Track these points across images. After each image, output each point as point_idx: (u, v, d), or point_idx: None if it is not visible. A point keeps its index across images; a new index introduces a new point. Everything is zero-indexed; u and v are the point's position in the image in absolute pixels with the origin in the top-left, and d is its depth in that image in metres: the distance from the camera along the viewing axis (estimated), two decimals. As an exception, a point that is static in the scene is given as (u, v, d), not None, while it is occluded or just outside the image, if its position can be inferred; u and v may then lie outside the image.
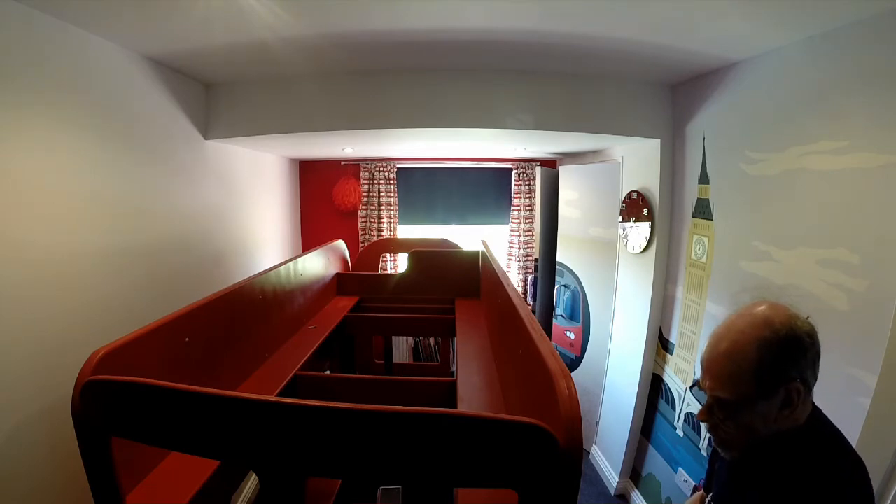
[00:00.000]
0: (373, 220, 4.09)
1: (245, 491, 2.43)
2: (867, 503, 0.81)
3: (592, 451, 3.17)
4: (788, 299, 0.86)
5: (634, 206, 2.62)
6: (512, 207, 4.15)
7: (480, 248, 2.67)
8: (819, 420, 0.86)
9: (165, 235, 2.08)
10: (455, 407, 1.42)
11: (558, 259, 3.59)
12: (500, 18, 1.60)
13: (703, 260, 2.15)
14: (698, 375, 0.91)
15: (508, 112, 2.26)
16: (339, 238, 3.14)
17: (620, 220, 2.77)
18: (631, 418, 2.66)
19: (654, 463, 2.54)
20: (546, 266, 3.96)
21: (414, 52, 1.95)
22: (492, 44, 1.83)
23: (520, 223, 4.14)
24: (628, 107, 2.35)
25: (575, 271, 3.41)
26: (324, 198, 4.10)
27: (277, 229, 3.58)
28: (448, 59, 2.05)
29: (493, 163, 4.17)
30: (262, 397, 0.66)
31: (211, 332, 1.40)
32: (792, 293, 1.58)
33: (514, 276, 4.18)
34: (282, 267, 2.04)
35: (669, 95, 2.38)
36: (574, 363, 3.40)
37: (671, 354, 2.41)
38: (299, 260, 2.27)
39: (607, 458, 2.98)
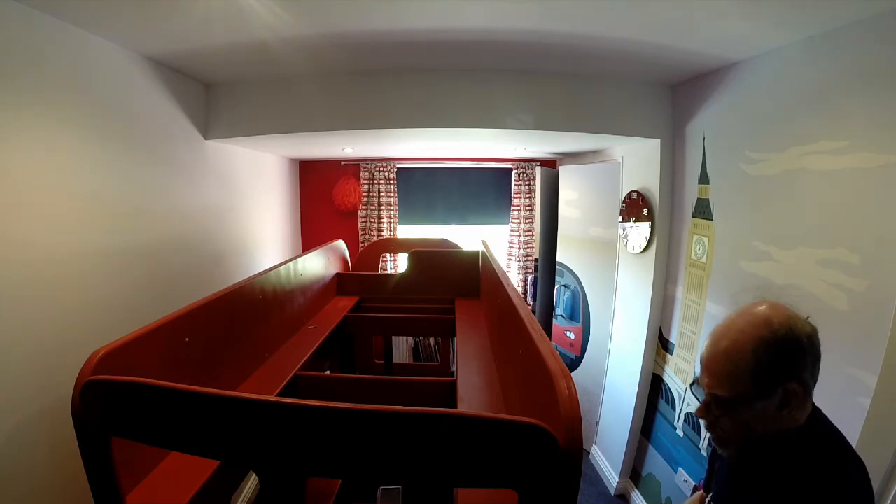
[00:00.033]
0: (373, 220, 4.09)
1: (245, 491, 2.43)
2: (867, 503, 0.81)
3: (592, 451, 3.17)
4: (789, 299, 0.86)
5: (634, 206, 2.62)
6: (512, 207, 4.15)
7: (480, 248, 2.67)
8: (819, 420, 0.86)
9: (165, 235, 2.08)
10: (455, 407, 1.42)
11: (558, 259, 3.59)
12: (500, 18, 1.60)
13: (703, 260, 2.15)
14: (699, 373, 0.91)
15: (508, 112, 2.26)
16: (339, 238, 3.14)
17: (620, 220, 2.77)
18: (631, 418, 2.66)
19: (654, 463, 2.54)
20: (546, 266, 3.96)
21: (414, 52, 1.95)
22: (492, 44, 1.83)
23: (520, 223, 4.14)
24: (628, 107, 2.35)
25: (575, 271, 3.41)
26: (324, 198, 4.10)
27: (277, 229, 3.59)
28: (448, 59, 2.05)
29: (493, 163, 4.17)
30: (262, 397, 0.66)
31: (211, 332, 1.40)
32: (792, 293, 1.58)
33: (514, 276, 4.18)
34: (282, 267, 2.04)
35: (669, 95, 2.38)
36: (574, 363, 3.40)
37: (671, 354, 2.41)
38: (299, 260, 2.27)
39: (607, 458, 2.98)
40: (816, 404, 0.88)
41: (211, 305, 1.40)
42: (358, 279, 2.91)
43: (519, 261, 4.19)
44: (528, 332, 1.04)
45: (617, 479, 2.82)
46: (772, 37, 1.63)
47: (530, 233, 4.17)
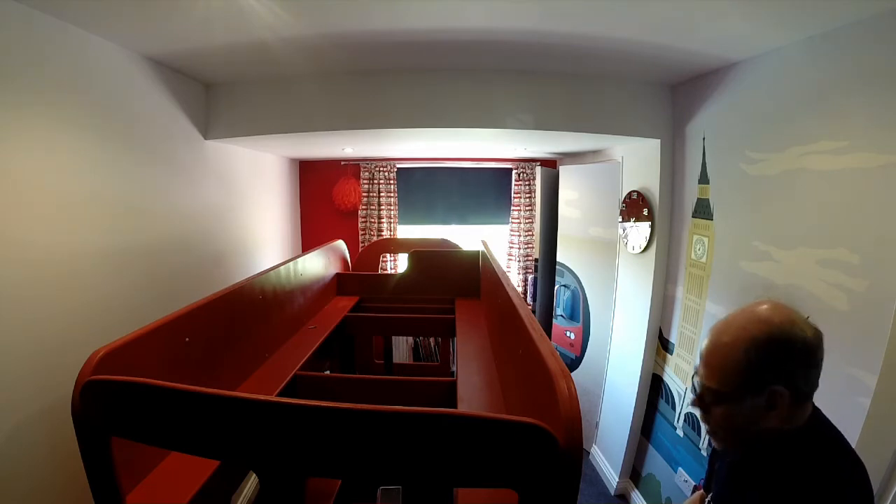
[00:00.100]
0: (373, 220, 4.09)
1: (245, 491, 2.43)
2: (867, 503, 0.81)
3: (592, 451, 3.17)
4: (798, 301, 0.86)
5: (634, 206, 2.62)
6: (512, 207, 4.15)
7: (480, 248, 2.67)
8: (819, 421, 0.87)
9: (165, 235, 2.08)
10: (455, 407, 1.42)
11: (558, 259, 3.59)
12: (500, 18, 1.60)
13: (703, 260, 2.15)
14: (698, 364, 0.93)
15: (508, 112, 2.26)
16: (339, 238, 3.14)
17: (620, 220, 2.77)
18: (631, 418, 2.66)
19: (654, 463, 2.54)
20: (546, 266, 3.96)
21: (414, 52, 1.95)
22: (492, 44, 1.83)
23: (520, 223, 4.14)
24: (628, 107, 2.35)
25: (575, 271, 3.41)
26: (324, 198, 4.10)
27: (277, 229, 3.59)
28: (448, 59, 2.05)
29: (493, 163, 4.17)
30: (262, 397, 0.66)
31: (211, 332, 1.40)
32: (792, 293, 1.58)
33: (514, 276, 4.18)
34: (282, 267, 2.04)
35: (669, 95, 2.38)
36: (574, 363, 3.40)
37: (671, 354, 2.41)
38: (299, 260, 2.27)
39: (607, 458, 2.98)
40: (816, 404, 0.88)
41: (211, 305, 1.40)
42: (358, 279, 2.91)
43: (519, 261, 4.19)
44: (528, 332, 1.04)
45: (617, 479, 2.82)
46: (772, 37, 1.63)
47: (530, 233, 4.17)
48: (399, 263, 4.12)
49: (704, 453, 2.09)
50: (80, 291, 1.57)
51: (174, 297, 1.90)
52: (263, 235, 3.26)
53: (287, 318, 2.06)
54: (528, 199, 4.12)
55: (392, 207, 4.09)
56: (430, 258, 2.85)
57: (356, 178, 4.06)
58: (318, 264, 2.55)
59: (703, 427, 0.95)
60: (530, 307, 3.17)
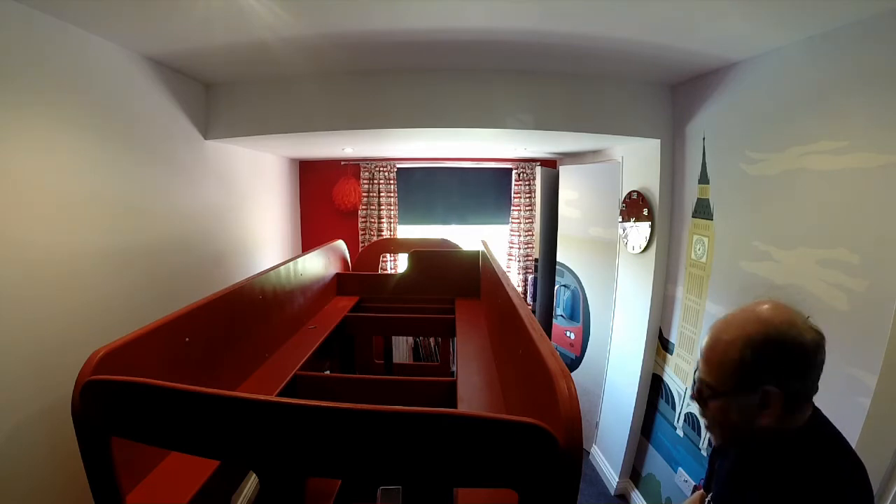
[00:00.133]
0: (373, 220, 4.09)
1: (245, 491, 2.43)
2: (867, 503, 0.81)
3: (592, 451, 3.17)
4: (798, 301, 0.85)
5: (634, 206, 2.62)
6: (512, 207, 4.15)
7: (480, 248, 2.67)
8: (819, 421, 0.87)
9: (165, 235, 2.08)
10: (455, 407, 1.42)
11: (558, 259, 3.59)
12: (500, 18, 1.60)
13: (703, 260, 2.15)
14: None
15: (508, 112, 2.26)
16: (339, 238, 3.14)
17: (620, 220, 2.77)
18: (631, 418, 2.66)
19: (654, 463, 2.54)
20: (546, 266, 3.96)
21: (414, 52, 1.95)
22: (492, 44, 1.83)
23: (520, 223, 4.14)
24: (628, 107, 2.35)
25: (575, 271, 3.41)
26: (324, 198, 4.10)
27: (277, 229, 3.59)
28: (448, 59, 2.05)
29: (493, 163, 4.17)
30: (262, 397, 0.66)
31: (211, 332, 1.40)
32: (792, 293, 1.58)
33: (514, 276, 4.18)
34: (282, 267, 2.04)
35: (669, 95, 2.38)
36: (574, 363, 3.40)
37: (671, 354, 2.41)
38: (299, 260, 2.27)
39: (607, 458, 2.98)
40: (817, 405, 0.88)
41: (211, 305, 1.40)
42: (358, 279, 2.91)
43: (519, 261, 4.19)
44: (528, 332, 1.04)
45: (617, 479, 2.82)
46: (772, 37, 1.63)
47: (530, 233, 4.17)
48: (399, 263, 4.12)
49: (704, 453, 2.09)
50: (80, 291, 1.57)
51: (174, 297, 1.90)
52: (263, 235, 3.26)
53: (287, 318, 2.06)
54: (528, 199, 4.12)
55: (392, 207, 4.09)
56: (430, 258, 2.85)
57: (356, 178, 4.06)
58: (318, 264, 2.55)
59: (702, 422, 0.96)
60: (530, 307, 3.17)
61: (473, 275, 2.76)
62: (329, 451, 0.67)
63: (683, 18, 1.53)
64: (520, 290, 4.15)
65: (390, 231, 4.11)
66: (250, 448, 0.70)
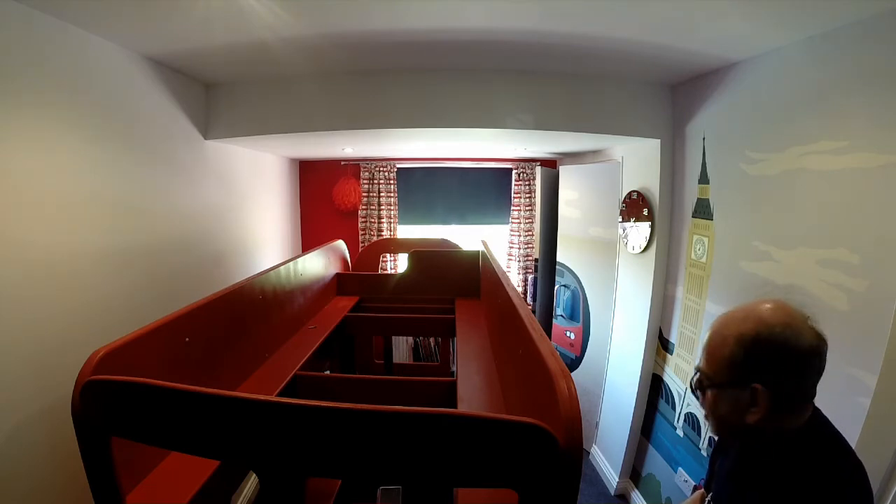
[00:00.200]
0: (373, 220, 4.09)
1: (245, 491, 2.43)
2: (867, 503, 0.81)
3: (592, 451, 3.17)
4: (798, 301, 0.86)
5: (634, 206, 2.62)
6: (512, 207, 4.15)
7: (480, 248, 2.67)
8: (819, 421, 0.87)
9: (165, 235, 2.08)
10: (455, 407, 1.42)
11: (558, 259, 3.59)
12: (500, 18, 1.60)
13: (703, 260, 2.15)
14: None
15: (508, 112, 2.26)
16: (339, 238, 3.14)
17: (620, 220, 2.77)
18: (631, 418, 2.66)
19: (654, 463, 2.54)
20: (546, 266, 3.96)
21: (414, 52, 1.95)
22: (492, 44, 1.83)
23: (520, 223, 4.14)
24: (628, 107, 2.35)
25: (575, 271, 3.41)
26: (324, 198, 4.10)
27: (277, 229, 3.59)
28: (448, 59, 2.05)
29: (493, 163, 4.17)
30: (262, 397, 0.66)
31: (211, 332, 1.40)
32: (792, 293, 1.58)
33: (514, 276, 4.18)
34: (282, 267, 2.03)
35: (669, 95, 2.38)
36: (574, 363, 3.40)
37: (671, 354, 2.41)
38: (299, 260, 2.27)
39: (607, 458, 2.98)
40: (817, 405, 0.88)
41: (211, 305, 1.40)
42: (358, 279, 2.91)
43: (519, 261, 4.19)
44: (528, 332, 1.04)
45: (617, 479, 2.82)
46: (772, 37, 1.63)
47: (530, 233, 4.17)
48: (399, 263, 4.12)
49: (704, 453, 2.09)
50: (80, 291, 1.57)
51: (174, 297, 1.90)
52: (263, 235, 3.26)
53: (287, 318, 2.06)
54: (528, 199, 4.12)
55: (392, 207, 4.09)
56: (430, 258, 2.85)
57: (356, 178, 4.06)
58: (318, 264, 2.55)
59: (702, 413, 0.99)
60: (530, 307, 3.17)
61: (473, 275, 2.76)
62: (329, 451, 0.67)
63: (683, 18, 1.53)
64: (520, 290, 4.15)
65: (390, 231, 4.11)
66: (250, 448, 0.70)
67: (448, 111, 2.25)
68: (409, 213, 4.26)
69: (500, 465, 0.63)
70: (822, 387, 0.84)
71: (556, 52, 1.90)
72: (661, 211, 2.44)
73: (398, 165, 4.08)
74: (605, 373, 3.03)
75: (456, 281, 2.78)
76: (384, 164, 4.04)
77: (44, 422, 1.41)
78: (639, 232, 2.58)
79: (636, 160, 2.69)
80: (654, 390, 2.57)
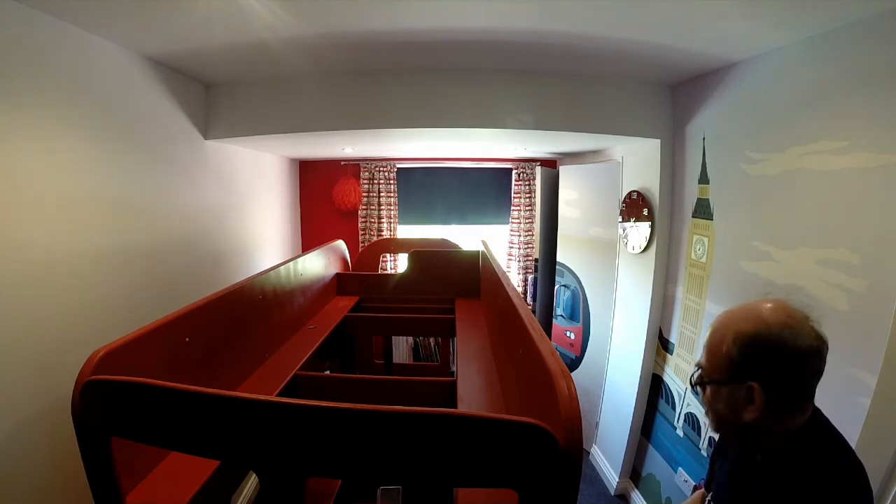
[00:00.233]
0: (373, 220, 4.09)
1: (245, 491, 2.43)
2: (866, 503, 0.81)
3: (592, 451, 3.17)
4: (798, 301, 0.86)
5: (634, 206, 2.62)
6: (512, 207, 4.15)
7: (480, 248, 2.67)
8: (819, 421, 0.87)
9: (165, 235, 2.08)
10: (455, 407, 1.42)
11: (558, 259, 3.59)
12: (500, 18, 1.60)
13: (703, 260, 2.15)
14: None
15: (508, 112, 2.26)
16: (339, 238, 3.14)
17: (620, 220, 2.77)
18: (631, 418, 2.66)
19: (654, 463, 2.54)
20: (546, 266, 3.96)
21: (414, 52, 1.95)
22: (492, 44, 1.83)
23: (520, 223, 4.14)
24: (628, 107, 2.35)
25: (575, 271, 3.41)
26: (324, 198, 4.10)
27: (277, 229, 3.59)
28: (448, 59, 2.05)
29: (493, 163, 4.17)
30: (262, 397, 0.66)
31: (211, 332, 1.40)
32: (792, 293, 1.58)
33: (514, 276, 4.18)
34: (282, 267, 2.03)
35: (669, 95, 2.38)
36: (574, 363, 3.40)
37: (671, 354, 2.41)
38: (299, 260, 2.27)
39: (607, 458, 2.98)
40: (817, 405, 0.88)
41: (211, 305, 1.40)
42: (358, 279, 2.91)
43: (519, 261, 4.19)
44: (528, 332, 1.04)
45: (617, 479, 2.82)
46: (772, 37, 1.63)
47: (530, 233, 4.17)
48: (399, 263, 4.12)
49: (704, 453, 2.09)
50: (80, 291, 1.57)
51: (174, 297, 1.90)
52: (263, 235, 3.26)
53: (287, 318, 2.06)
54: (528, 199, 4.12)
55: (392, 207, 4.09)
56: (430, 258, 2.85)
57: (356, 178, 4.06)
58: (318, 264, 2.55)
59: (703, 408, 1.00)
60: (530, 307, 3.17)
61: (473, 275, 2.76)
62: (329, 451, 0.67)
63: (683, 18, 1.53)
64: (520, 290, 4.15)
65: (390, 231, 4.11)
66: (250, 448, 0.70)
67: (448, 111, 2.25)
68: (409, 213, 4.26)
69: (500, 465, 0.63)
70: (822, 387, 0.84)
71: (556, 52, 1.90)
72: (661, 211, 2.44)
73: (398, 165, 4.08)
74: (605, 373, 3.03)
75: (456, 281, 2.78)
76: (384, 164, 4.04)
77: (44, 422, 1.41)
78: (639, 232, 2.58)
79: (636, 160, 2.69)
80: (654, 390, 2.57)
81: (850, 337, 1.37)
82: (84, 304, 1.58)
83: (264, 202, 3.30)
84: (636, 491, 2.71)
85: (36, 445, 1.40)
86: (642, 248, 2.56)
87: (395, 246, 3.71)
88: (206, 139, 2.40)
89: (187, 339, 1.26)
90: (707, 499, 1.08)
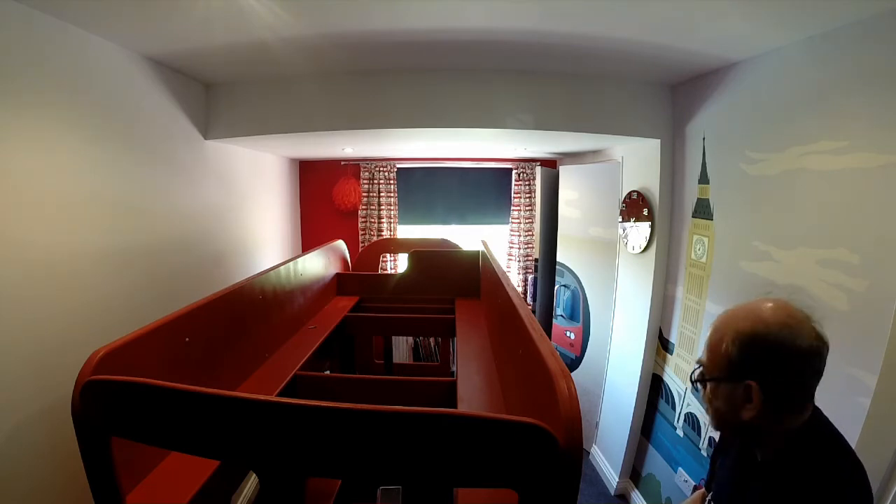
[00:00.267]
0: (373, 220, 4.09)
1: (245, 491, 2.43)
2: (866, 503, 0.81)
3: (592, 451, 3.17)
4: (797, 301, 0.86)
5: (634, 206, 2.62)
6: (512, 207, 4.15)
7: (480, 248, 2.67)
8: (819, 421, 0.87)
9: (165, 235, 2.08)
10: (455, 407, 1.42)
11: (558, 259, 3.59)
12: (500, 18, 1.60)
13: (703, 260, 2.15)
14: None
15: (508, 112, 2.26)
16: (339, 238, 3.14)
17: (620, 220, 2.77)
18: (631, 418, 2.66)
19: (654, 463, 2.54)
20: (546, 266, 3.96)
21: (414, 52, 1.95)
22: (492, 44, 1.83)
23: (520, 223, 4.14)
24: (628, 107, 2.35)
25: (575, 271, 3.41)
26: (324, 198, 4.10)
27: (277, 229, 3.59)
28: (448, 59, 2.05)
29: (493, 163, 4.17)
30: (262, 397, 0.66)
31: (211, 332, 1.40)
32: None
33: (514, 276, 4.18)
34: (282, 267, 2.03)
35: (669, 95, 2.38)
36: (574, 363, 3.40)
37: (671, 354, 2.41)
38: (299, 260, 2.27)
39: (607, 458, 2.98)
40: (817, 405, 0.88)
41: (211, 305, 1.40)
42: (358, 279, 2.91)
43: (519, 261, 4.19)
44: (528, 332, 1.04)
45: (617, 479, 2.82)
46: (772, 37, 1.63)
47: (530, 233, 4.17)
48: (399, 263, 4.12)
49: (704, 453, 2.09)
50: (80, 291, 1.57)
51: (174, 297, 1.90)
52: (263, 235, 3.26)
53: (287, 318, 2.06)
54: (528, 199, 4.12)
55: (392, 207, 4.09)
56: (430, 258, 2.85)
57: (356, 178, 4.06)
58: (318, 264, 2.55)
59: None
60: (530, 307, 3.17)
61: (473, 275, 2.76)
62: (329, 451, 0.67)
63: (683, 18, 1.53)
64: (520, 290, 4.15)
65: (390, 231, 4.11)
66: (250, 448, 0.70)
67: (448, 111, 2.25)
68: (409, 213, 4.26)
69: (500, 465, 0.63)
70: (822, 387, 0.84)
71: (556, 52, 1.90)
72: (661, 211, 2.44)
73: (398, 165, 4.08)
74: (605, 373, 3.03)
75: (456, 281, 2.78)
76: (384, 164, 4.04)
77: (44, 422, 1.41)
78: (639, 232, 2.58)
79: (636, 160, 2.69)
80: (654, 390, 2.57)
81: (850, 337, 1.37)
82: (84, 304, 1.58)
83: (264, 202, 3.30)
84: (636, 491, 2.71)
85: (36, 445, 1.40)
86: (642, 248, 2.56)
87: (395, 246, 3.71)
88: (206, 139, 2.40)
89: (187, 339, 1.26)
90: (707, 498, 1.08)
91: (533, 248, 4.17)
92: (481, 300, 2.64)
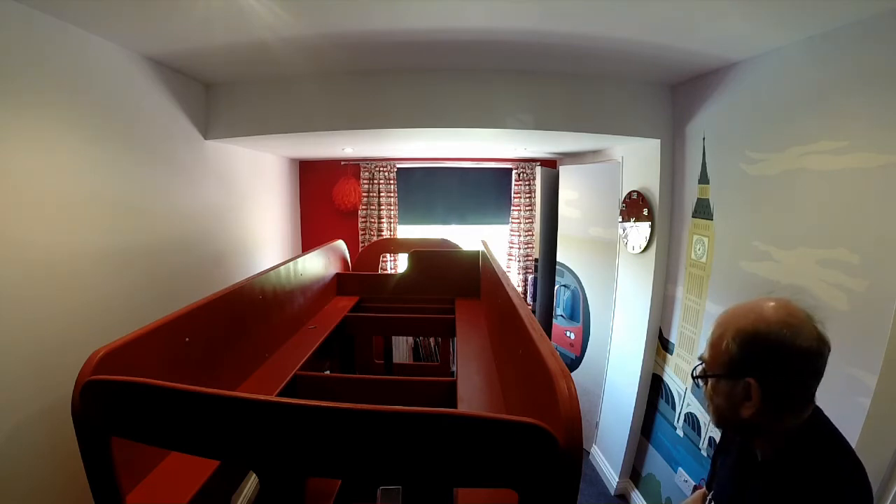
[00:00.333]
0: (373, 220, 4.09)
1: (245, 491, 2.43)
2: (866, 503, 0.81)
3: (592, 451, 3.17)
4: (797, 301, 0.86)
5: (634, 206, 2.62)
6: (512, 207, 4.15)
7: (480, 248, 2.67)
8: (820, 420, 0.87)
9: (165, 235, 2.08)
10: (455, 407, 1.42)
11: (558, 259, 3.59)
12: (500, 18, 1.60)
13: (703, 260, 2.15)
14: None
15: (508, 112, 2.26)
16: (339, 238, 3.14)
17: (620, 220, 2.77)
18: (631, 418, 2.66)
19: (654, 463, 2.54)
20: (546, 266, 3.96)
21: (414, 52, 1.95)
22: (492, 44, 1.83)
23: (520, 223, 4.14)
24: (628, 107, 2.35)
25: (575, 271, 3.41)
26: (324, 198, 4.10)
27: (277, 229, 3.59)
28: (448, 59, 2.05)
29: (493, 163, 4.17)
30: (262, 397, 0.66)
31: (211, 332, 1.40)
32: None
33: (514, 276, 4.18)
34: (282, 267, 2.03)
35: (669, 95, 2.38)
36: (574, 363, 3.40)
37: (671, 354, 2.41)
38: (299, 260, 2.27)
39: (607, 458, 2.98)
40: (817, 404, 0.88)
41: (211, 305, 1.40)
42: (358, 279, 2.91)
43: (519, 261, 4.19)
44: (528, 332, 1.04)
45: (617, 479, 2.82)
46: (772, 37, 1.63)
47: (530, 233, 4.17)
48: (399, 263, 4.12)
49: (704, 453, 2.09)
50: (80, 291, 1.57)
51: (174, 297, 1.90)
52: (263, 235, 3.26)
53: (287, 318, 2.06)
54: (528, 199, 4.12)
55: (392, 207, 4.09)
56: (430, 258, 2.85)
57: (356, 178, 4.06)
58: (318, 264, 2.55)
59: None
60: (530, 307, 3.17)
61: (473, 275, 2.76)
62: (329, 451, 0.67)
63: (683, 18, 1.53)
64: (520, 290, 4.15)
65: (390, 231, 4.11)
66: (250, 448, 0.70)
67: (448, 111, 2.25)
68: (409, 213, 4.26)
69: (500, 465, 0.63)
70: (822, 387, 0.84)
71: (556, 52, 1.90)
72: (661, 211, 2.44)
73: (398, 165, 4.08)
74: (605, 373, 3.03)
75: (456, 281, 2.78)
76: (384, 164, 4.04)
77: (44, 422, 1.41)
78: (639, 232, 2.58)
79: (636, 160, 2.69)
80: (654, 390, 2.57)
81: (850, 337, 1.37)
82: (84, 304, 1.58)
83: (264, 202, 3.30)
84: (636, 491, 2.71)
85: (36, 445, 1.40)
86: (642, 248, 2.56)
87: (395, 246, 3.71)
88: (206, 139, 2.40)
89: (187, 339, 1.26)
90: (708, 498, 1.08)
91: (533, 248, 4.17)
92: (481, 300, 2.64)
